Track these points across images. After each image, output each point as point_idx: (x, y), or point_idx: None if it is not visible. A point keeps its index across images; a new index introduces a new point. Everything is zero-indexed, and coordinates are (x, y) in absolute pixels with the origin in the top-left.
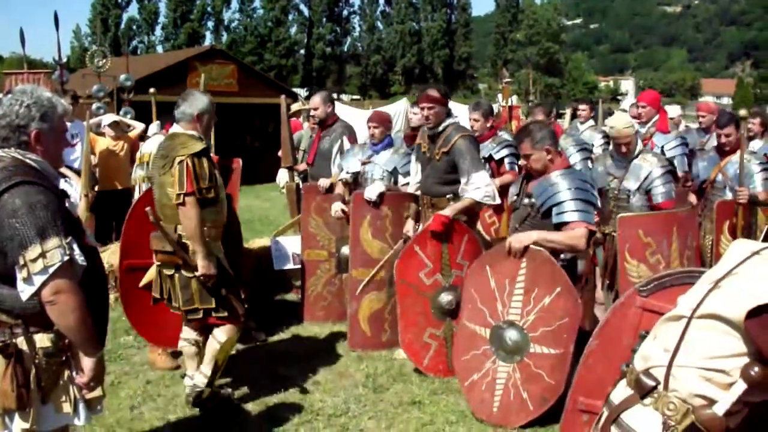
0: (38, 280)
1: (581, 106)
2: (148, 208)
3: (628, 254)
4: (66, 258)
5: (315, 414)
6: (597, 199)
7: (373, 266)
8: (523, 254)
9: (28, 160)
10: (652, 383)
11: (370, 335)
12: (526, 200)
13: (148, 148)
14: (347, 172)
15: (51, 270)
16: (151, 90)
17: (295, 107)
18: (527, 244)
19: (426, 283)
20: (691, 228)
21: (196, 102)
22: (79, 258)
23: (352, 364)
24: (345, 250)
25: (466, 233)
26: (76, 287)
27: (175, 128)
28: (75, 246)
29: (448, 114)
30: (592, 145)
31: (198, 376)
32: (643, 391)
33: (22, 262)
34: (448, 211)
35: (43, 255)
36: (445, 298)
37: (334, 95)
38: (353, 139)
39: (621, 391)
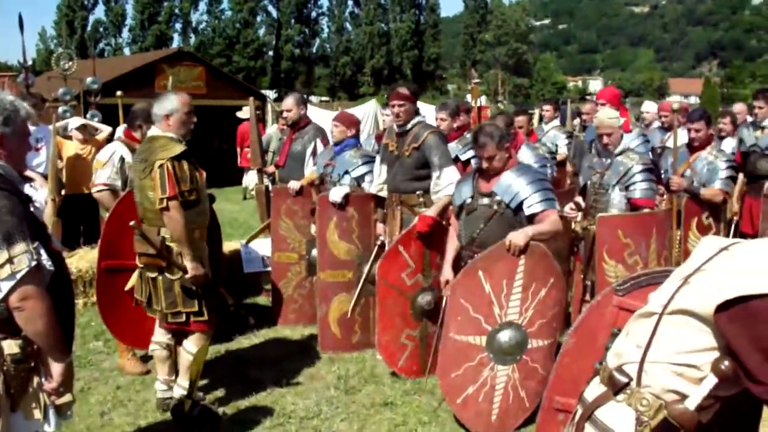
0: (5, 286)
1: (545, 107)
2: (132, 222)
3: (606, 255)
4: (33, 263)
5: (287, 417)
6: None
7: (341, 268)
8: (523, 251)
9: None
10: (624, 380)
11: (340, 337)
12: (485, 200)
13: (104, 155)
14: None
15: (18, 276)
16: (118, 93)
17: (243, 114)
18: (527, 240)
19: (407, 284)
20: (668, 228)
21: (164, 103)
22: (47, 263)
23: (323, 367)
24: (315, 252)
25: (445, 233)
26: (43, 293)
27: (153, 130)
28: (42, 251)
29: (417, 113)
30: (556, 146)
31: (177, 389)
32: (616, 388)
33: None
34: (432, 211)
35: (10, 260)
36: (425, 298)
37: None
38: (326, 142)
39: (594, 388)
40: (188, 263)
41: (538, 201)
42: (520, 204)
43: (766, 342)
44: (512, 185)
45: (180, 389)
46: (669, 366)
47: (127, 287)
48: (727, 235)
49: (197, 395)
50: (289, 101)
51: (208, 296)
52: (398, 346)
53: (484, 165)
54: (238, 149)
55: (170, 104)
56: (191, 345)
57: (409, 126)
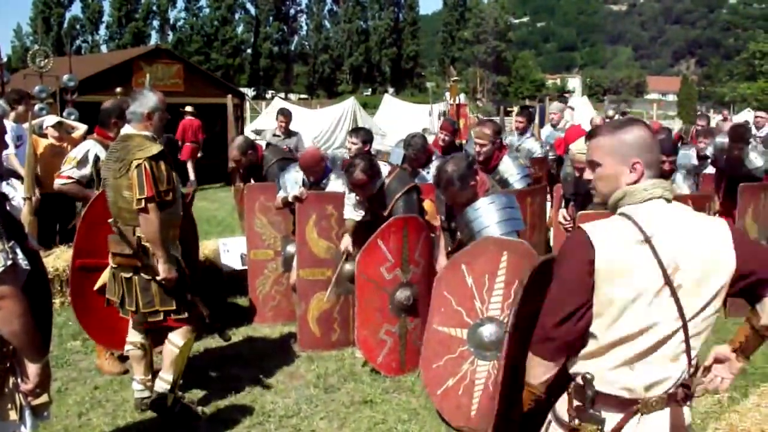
0: None
1: (518, 118)
2: (111, 220)
3: None
4: (9, 262)
5: (266, 415)
6: (520, 216)
7: (321, 266)
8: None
9: None
10: None
11: (319, 335)
12: (453, 225)
13: (77, 153)
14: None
15: None
16: (118, 89)
17: (188, 109)
18: None
19: (386, 278)
20: None
21: (146, 101)
22: (23, 262)
23: (302, 365)
24: (291, 248)
25: (423, 231)
26: (19, 292)
27: (127, 128)
28: (18, 250)
29: (380, 176)
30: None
31: (159, 383)
32: None
33: None
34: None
35: None
36: (404, 293)
37: (282, 95)
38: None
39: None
40: (161, 265)
41: (499, 233)
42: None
43: None
44: (477, 219)
45: (163, 383)
46: None
47: (97, 286)
48: None
49: (178, 392)
50: (234, 153)
51: (185, 293)
52: (377, 342)
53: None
54: (179, 142)
55: (152, 102)
56: (178, 338)
57: (375, 190)
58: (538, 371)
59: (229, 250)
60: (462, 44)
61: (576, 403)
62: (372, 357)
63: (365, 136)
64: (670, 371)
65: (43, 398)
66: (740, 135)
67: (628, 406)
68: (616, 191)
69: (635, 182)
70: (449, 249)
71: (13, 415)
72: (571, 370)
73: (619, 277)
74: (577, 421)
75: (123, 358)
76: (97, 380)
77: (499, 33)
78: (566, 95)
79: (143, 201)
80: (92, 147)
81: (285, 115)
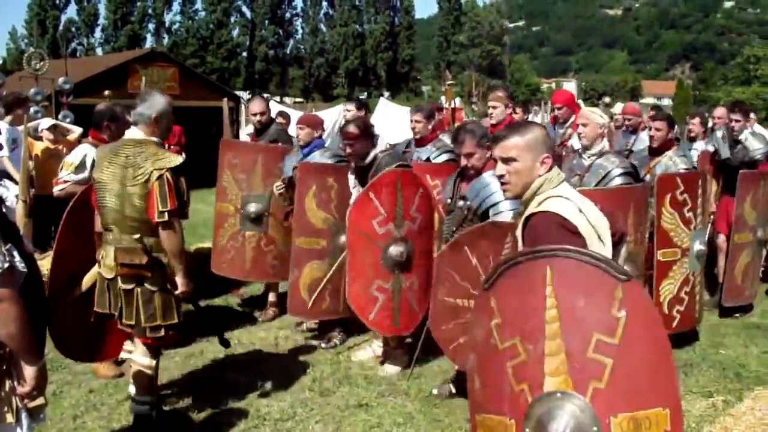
0: None
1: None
2: (100, 227)
3: None
4: (6, 265)
5: (261, 419)
6: None
7: (316, 236)
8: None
9: None
10: None
11: (310, 304)
12: (461, 202)
13: (74, 158)
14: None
15: None
16: (106, 92)
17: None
18: None
19: (378, 233)
20: (646, 203)
21: (154, 103)
22: (20, 265)
23: (297, 368)
24: (250, 207)
25: (420, 187)
26: (16, 295)
27: (133, 131)
28: (15, 252)
29: (374, 145)
30: None
31: (138, 407)
32: None
33: None
34: None
35: None
36: (397, 249)
37: (277, 98)
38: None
39: None
40: (179, 279)
41: (504, 210)
42: (490, 207)
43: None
44: (485, 189)
45: (143, 407)
46: None
47: (84, 287)
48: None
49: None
50: (262, 104)
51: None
52: (369, 298)
53: (463, 162)
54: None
55: (160, 105)
56: (146, 359)
57: (368, 160)
58: None
59: None
60: (457, 48)
61: None
62: (364, 314)
63: (359, 103)
64: None
65: (39, 400)
66: (739, 106)
67: None
68: (534, 181)
69: (547, 173)
70: (454, 228)
71: (9, 418)
72: None
73: (587, 239)
74: None
75: (117, 361)
76: (92, 383)
77: (495, 37)
78: None
79: (166, 214)
80: (89, 151)
81: (284, 117)
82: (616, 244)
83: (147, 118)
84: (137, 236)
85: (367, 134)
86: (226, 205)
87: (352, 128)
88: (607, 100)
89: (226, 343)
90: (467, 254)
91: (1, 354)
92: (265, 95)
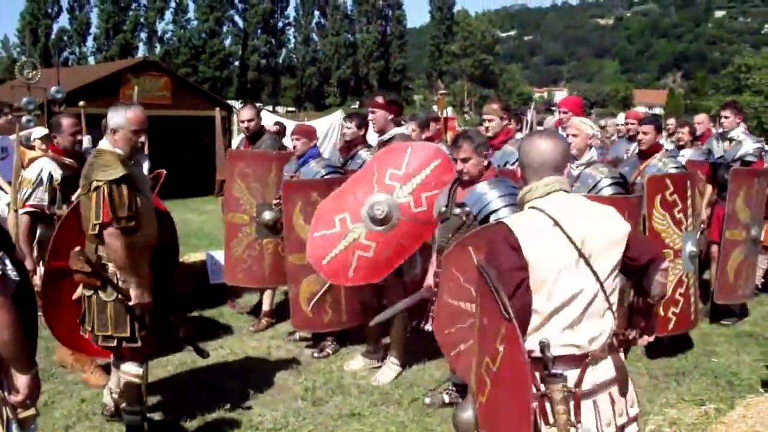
0: None
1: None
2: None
3: None
4: None
5: (254, 428)
6: None
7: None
8: None
9: None
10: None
11: (312, 317)
12: (457, 210)
13: (31, 174)
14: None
15: None
16: (81, 102)
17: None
18: None
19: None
20: (640, 214)
21: (114, 115)
22: (12, 273)
23: (290, 378)
24: (266, 215)
25: None
26: (9, 303)
27: (103, 142)
28: (7, 261)
29: (397, 123)
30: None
31: (128, 417)
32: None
33: None
34: None
35: None
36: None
37: (269, 107)
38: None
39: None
40: (133, 291)
41: (504, 217)
42: (489, 215)
43: None
44: (484, 196)
45: (133, 417)
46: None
47: (75, 296)
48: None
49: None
50: (251, 111)
51: (144, 320)
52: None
53: (459, 166)
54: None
55: (119, 118)
56: (134, 367)
57: (387, 136)
58: None
59: (216, 262)
60: (449, 57)
61: (538, 373)
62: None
63: (360, 120)
64: (602, 325)
65: (31, 411)
66: (730, 104)
67: (581, 360)
68: (524, 188)
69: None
70: (449, 235)
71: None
72: (528, 348)
73: (543, 258)
74: (543, 387)
75: (108, 370)
76: (84, 393)
77: (486, 46)
78: (553, 108)
79: (98, 227)
80: (45, 165)
81: (280, 126)
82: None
83: (107, 129)
84: (93, 245)
85: (388, 108)
86: (240, 215)
87: (378, 98)
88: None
89: (202, 353)
90: (471, 255)
91: None
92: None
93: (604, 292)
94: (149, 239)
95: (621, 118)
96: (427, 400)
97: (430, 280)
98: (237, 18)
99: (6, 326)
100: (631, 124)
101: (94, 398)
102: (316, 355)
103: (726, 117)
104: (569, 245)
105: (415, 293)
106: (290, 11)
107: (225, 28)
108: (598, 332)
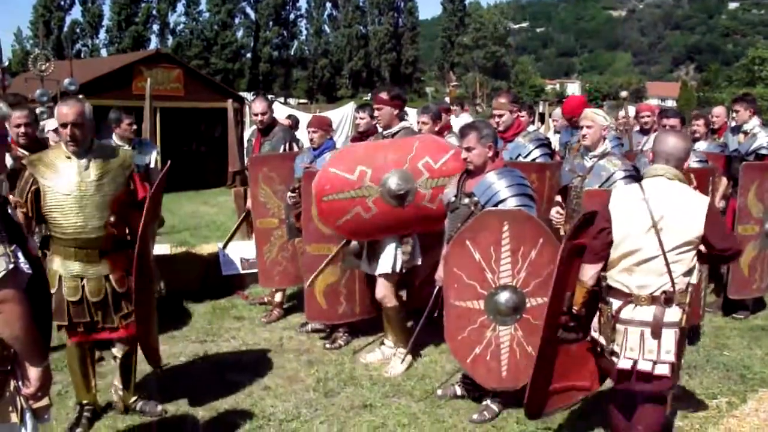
0: None
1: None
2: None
3: None
4: (11, 266)
5: (266, 419)
6: (535, 194)
7: (326, 242)
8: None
9: None
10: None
11: (326, 308)
12: (466, 200)
13: None
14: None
15: None
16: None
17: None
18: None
19: None
20: None
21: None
22: (24, 266)
23: (302, 369)
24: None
25: None
26: (21, 296)
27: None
28: (20, 253)
29: (402, 118)
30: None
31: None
32: (668, 301)
33: None
34: None
35: None
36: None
37: (281, 99)
38: (293, 141)
39: (645, 311)
40: None
41: (516, 205)
42: (497, 205)
43: None
44: (492, 186)
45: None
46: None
47: None
48: None
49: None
50: (263, 104)
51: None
52: None
53: (463, 155)
54: None
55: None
56: (122, 350)
57: (393, 130)
58: (588, 272)
59: (228, 253)
60: (461, 49)
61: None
62: None
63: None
64: (654, 281)
65: (44, 401)
66: (744, 97)
67: (626, 297)
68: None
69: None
70: (459, 225)
71: (14, 418)
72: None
73: (621, 219)
74: (601, 305)
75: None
76: (97, 383)
77: (499, 38)
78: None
79: None
80: None
81: (292, 120)
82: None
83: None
84: None
85: (393, 103)
86: (269, 220)
87: (382, 94)
88: (623, 94)
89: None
90: (470, 249)
91: (5, 355)
92: (270, 96)
93: (666, 259)
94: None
95: (631, 110)
96: (440, 392)
97: (441, 271)
98: (249, 10)
99: (18, 319)
100: (647, 116)
101: (106, 389)
102: (328, 346)
103: (737, 111)
104: (648, 217)
105: (433, 291)
106: (302, 3)
107: (237, 20)
108: (648, 284)
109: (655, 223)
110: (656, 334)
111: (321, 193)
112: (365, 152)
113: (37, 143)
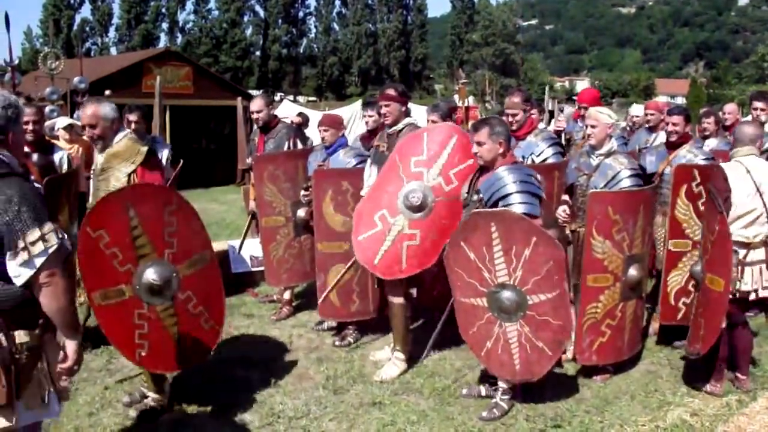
0: (38, 261)
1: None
2: None
3: (594, 230)
4: (60, 239)
5: (276, 417)
6: (543, 192)
7: (337, 240)
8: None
9: (3, 157)
10: None
11: (339, 306)
12: (475, 196)
13: None
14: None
15: (50, 251)
16: (107, 92)
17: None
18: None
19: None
20: (654, 207)
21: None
22: (67, 242)
23: (311, 366)
24: (300, 212)
25: None
26: (64, 270)
27: (122, 133)
28: (60, 231)
29: (407, 114)
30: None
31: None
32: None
33: (22, 245)
34: None
35: (42, 238)
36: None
37: (290, 97)
38: (297, 138)
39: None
40: None
41: (514, 203)
42: (501, 200)
43: None
44: (498, 181)
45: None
46: None
47: None
48: None
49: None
50: (259, 102)
51: None
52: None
53: (474, 149)
54: None
55: None
56: None
57: (399, 126)
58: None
59: (238, 252)
60: (470, 47)
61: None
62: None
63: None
64: (763, 230)
65: (67, 382)
66: (764, 94)
67: (747, 246)
68: (734, 149)
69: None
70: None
71: (41, 402)
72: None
73: (736, 187)
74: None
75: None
76: (108, 380)
77: (508, 35)
78: (574, 98)
79: None
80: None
81: (302, 117)
82: None
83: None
84: None
85: (401, 100)
86: (275, 218)
87: (390, 90)
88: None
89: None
90: (465, 250)
91: (37, 335)
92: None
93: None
94: None
95: (636, 109)
96: (464, 392)
97: None
98: (258, 8)
99: (63, 293)
100: (651, 114)
101: (117, 386)
102: (337, 343)
103: (755, 108)
104: (752, 184)
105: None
106: (311, 1)
107: (246, 18)
108: (759, 233)
109: (759, 188)
110: None
111: (371, 261)
112: (370, 202)
113: (42, 140)
